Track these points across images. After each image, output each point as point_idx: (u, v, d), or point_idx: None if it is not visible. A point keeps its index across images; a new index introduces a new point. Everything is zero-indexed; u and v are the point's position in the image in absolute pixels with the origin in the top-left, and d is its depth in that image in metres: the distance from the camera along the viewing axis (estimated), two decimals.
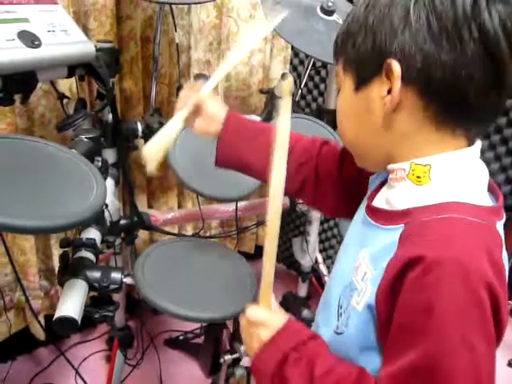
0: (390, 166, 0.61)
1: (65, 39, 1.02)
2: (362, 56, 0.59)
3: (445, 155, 0.57)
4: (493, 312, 0.51)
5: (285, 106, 0.65)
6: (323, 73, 1.92)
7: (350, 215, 0.74)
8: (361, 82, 0.60)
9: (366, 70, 0.59)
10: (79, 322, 0.85)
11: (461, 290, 0.50)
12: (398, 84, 0.55)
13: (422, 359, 0.51)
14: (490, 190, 0.61)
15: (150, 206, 1.82)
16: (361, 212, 0.69)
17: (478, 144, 0.60)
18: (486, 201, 0.59)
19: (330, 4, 1.43)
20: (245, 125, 0.86)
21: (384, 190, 0.65)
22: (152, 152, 0.81)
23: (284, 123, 0.65)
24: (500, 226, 0.57)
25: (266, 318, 0.67)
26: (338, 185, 0.82)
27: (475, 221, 0.54)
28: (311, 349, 0.63)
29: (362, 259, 0.61)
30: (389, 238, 0.57)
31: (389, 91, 0.57)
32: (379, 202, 0.65)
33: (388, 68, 0.56)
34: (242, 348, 1.27)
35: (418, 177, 0.58)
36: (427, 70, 0.54)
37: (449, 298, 0.50)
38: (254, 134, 0.84)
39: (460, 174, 0.57)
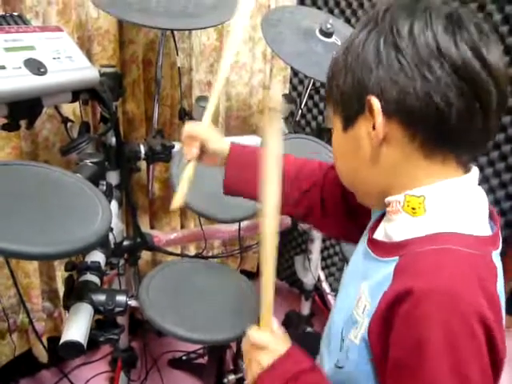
0: (387, 199, 0.62)
1: (70, 65, 1.04)
2: (345, 96, 0.62)
3: (438, 185, 0.57)
4: (488, 344, 0.49)
5: (270, 122, 0.62)
6: (323, 92, 1.94)
7: (356, 240, 0.75)
8: (348, 122, 0.63)
9: (350, 108, 0.62)
10: (85, 346, 0.85)
11: (451, 322, 0.49)
12: (379, 118, 0.57)
13: None
14: (491, 216, 0.61)
15: (152, 227, 1.82)
16: (363, 243, 0.69)
17: (475, 171, 0.60)
18: (484, 230, 0.58)
19: (328, 26, 1.46)
20: (248, 157, 0.87)
21: (383, 222, 0.66)
22: (180, 202, 0.87)
23: (272, 143, 0.63)
24: (496, 255, 0.57)
25: (267, 342, 0.66)
26: (344, 211, 0.83)
27: (469, 251, 0.53)
28: (311, 380, 0.63)
29: (363, 292, 0.61)
30: (385, 270, 0.58)
31: (374, 127, 0.58)
32: (379, 234, 0.65)
33: (369, 104, 0.58)
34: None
35: (413, 208, 0.58)
36: (404, 101, 0.55)
37: (439, 331, 0.49)
38: (257, 164, 0.85)
39: (456, 203, 0.57)
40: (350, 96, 0.61)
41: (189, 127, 0.86)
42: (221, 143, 0.87)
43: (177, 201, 0.86)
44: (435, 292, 0.49)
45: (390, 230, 0.62)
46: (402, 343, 0.52)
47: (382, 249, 0.62)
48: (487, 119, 0.56)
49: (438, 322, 0.49)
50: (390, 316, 0.53)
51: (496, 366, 0.51)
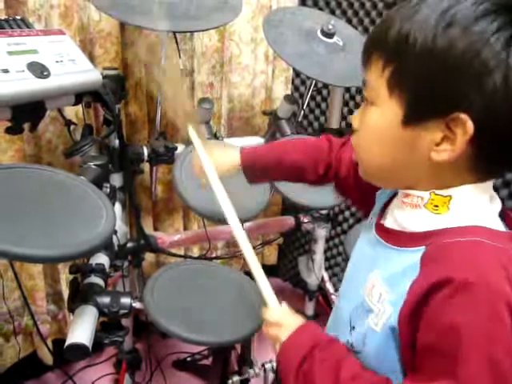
0: (407, 191, 0.60)
1: (72, 68, 1.05)
2: (426, 91, 0.52)
3: (466, 187, 0.57)
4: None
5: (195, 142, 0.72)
6: (325, 92, 1.94)
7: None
8: (414, 118, 0.54)
9: (426, 108, 0.53)
10: (90, 348, 0.86)
11: (486, 312, 0.50)
12: (463, 144, 0.51)
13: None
14: (503, 217, 0.61)
15: (155, 229, 1.83)
16: (369, 231, 0.68)
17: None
18: (500, 227, 0.59)
19: (330, 27, 1.46)
20: (259, 165, 0.91)
21: (393, 210, 0.65)
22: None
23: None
24: None
25: (279, 317, 0.71)
26: (354, 189, 0.83)
27: (495, 245, 0.54)
28: (335, 349, 0.64)
29: (376, 280, 0.61)
30: (408, 259, 0.57)
31: (443, 138, 0.52)
32: (390, 222, 0.64)
33: (455, 121, 0.51)
34: (250, 370, 1.27)
35: (436, 206, 0.57)
36: (498, 133, 0.51)
37: (475, 319, 0.50)
38: (269, 168, 0.91)
39: (477, 203, 0.57)
40: (433, 95, 0.51)
41: (196, 162, 0.91)
42: (230, 160, 0.91)
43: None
44: (474, 283, 0.50)
45: (404, 220, 0.61)
46: (436, 329, 0.52)
47: (398, 238, 0.61)
48: None
49: (474, 311, 0.50)
50: (423, 304, 0.53)
51: None
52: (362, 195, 0.79)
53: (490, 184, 0.59)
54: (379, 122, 0.58)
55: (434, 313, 0.52)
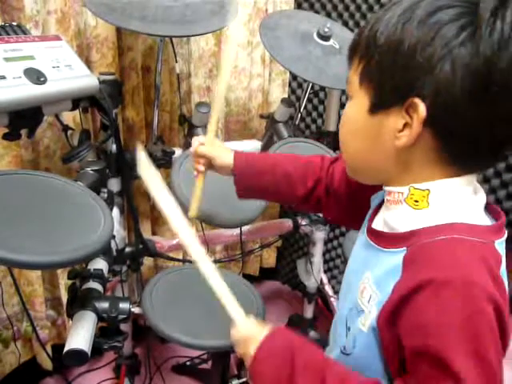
0: (388, 188, 0.62)
1: (69, 74, 1.05)
2: (387, 80, 0.56)
3: (444, 181, 0.58)
4: (498, 324, 0.52)
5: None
6: (322, 95, 1.94)
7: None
8: (378, 107, 0.58)
9: (387, 96, 0.56)
10: (89, 354, 0.85)
11: (471, 309, 0.51)
12: (417, 127, 0.54)
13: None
14: (489, 210, 0.62)
15: (154, 233, 1.83)
16: (363, 233, 0.70)
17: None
18: (484, 220, 0.59)
19: (326, 30, 1.47)
20: (254, 167, 0.91)
21: (381, 211, 0.66)
22: (195, 213, 0.99)
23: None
24: (500, 243, 0.58)
25: (245, 332, 0.68)
26: (346, 200, 0.84)
27: (475, 240, 0.55)
28: (311, 352, 0.63)
29: (367, 282, 0.62)
30: (392, 260, 0.58)
31: (404, 125, 0.56)
32: (378, 224, 0.66)
33: (412, 106, 0.54)
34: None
35: (416, 201, 0.59)
36: (453, 118, 0.53)
37: (458, 318, 0.51)
38: (264, 171, 0.90)
39: (458, 197, 0.58)
40: (392, 84, 0.55)
41: (196, 146, 0.92)
42: (226, 157, 0.91)
43: (192, 212, 0.98)
44: (454, 282, 0.51)
45: (390, 220, 0.62)
46: (421, 332, 0.53)
47: (384, 239, 0.62)
48: None
49: (457, 310, 0.51)
50: (404, 305, 0.54)
51: (504, 338, 0.53)
52: (354, 208, 0.80)
53: (472, 177, 0.59)
54: (351, 112, 0.63)
55: (417, 315, 0.53)
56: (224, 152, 0.92)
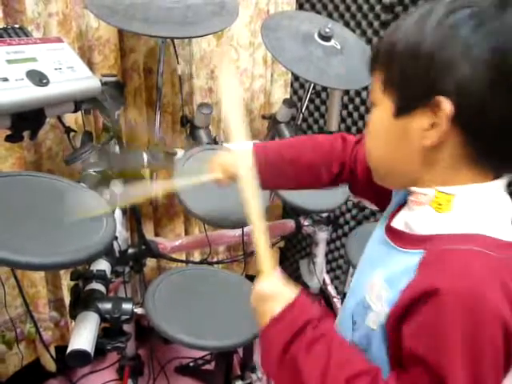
0: (413, 189, 0.62)
1: (71, 76, 1.05)
2: (409, 83, 0.56)
3: (470, 187, 0.57)
4: (505, 346, 0.51)
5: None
6: (323, 95, 1.94)
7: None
8: (403, 110, 0.58)
9: (411, 98, 0.57)
10: (92, 354, 0.86)
11: (473, 324, 0.50)
12: (445, 125, 0.54)
13: None
14: None
15: (156, 234, 1.83)
16: (380, 230, 0.69)
17: (504, 177, 0.60)
18: (508, 234, 0.58)
19: (327, 30, 1.47)
20: (274, 166, 0.89)
21: (403, 211, 0.66)
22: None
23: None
24: None
25: (273, 290, 0.65)
26: (369, 183, 0.80)
27: (494, 255, 0.53)
28: (323, 329, 0.61)
29: (378, 279, 0.62)
30: (407, 261, 0.58)
31: (431, 125, 0.55)
32: (398, 223, 0.65)
33: (437, 105, 0.54)
34: (253, 375, 1.27)
35: (440, 204, 0.58)
36: (478, 112, 0.53)
37: (461, 333, 0.50)
38: (284, 169, 0.89)
39: (483, 205, 0.57)
40: (415, 86, 0.56)
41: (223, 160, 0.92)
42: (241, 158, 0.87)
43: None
44: (461, 294, 0.50)
45: (411, 220, 0.62)
46: (423, 340, 0.53)
47: (402, 239, 0.62)
48: None
49: (461, 324, 0.50)
50: (411, 309, 0.53)
51: (509, 360, 0.52)
52: (377, 194, 0.80)
53: (500, 184, 0.59)
54: (377, 119, 0.63)
55: (423, 320, 0.52)
56: (235, 156, 0.88)
